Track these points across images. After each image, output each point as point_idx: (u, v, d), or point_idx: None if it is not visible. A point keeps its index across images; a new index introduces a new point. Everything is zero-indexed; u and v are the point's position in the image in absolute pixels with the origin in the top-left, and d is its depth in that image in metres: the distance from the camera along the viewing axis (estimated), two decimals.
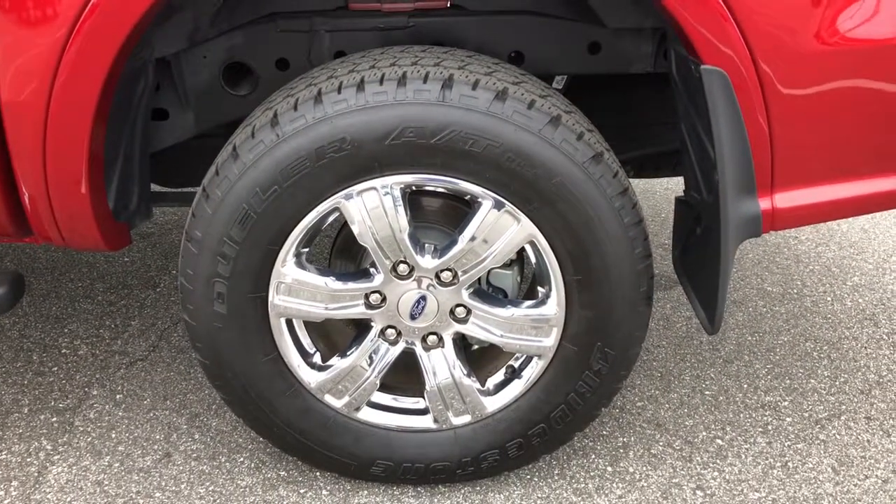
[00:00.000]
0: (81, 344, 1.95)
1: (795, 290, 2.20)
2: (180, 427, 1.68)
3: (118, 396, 1.77)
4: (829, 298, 2.17)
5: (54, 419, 1.70)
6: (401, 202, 1.27)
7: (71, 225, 1.31)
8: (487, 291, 1.41)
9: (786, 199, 1.29)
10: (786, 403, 1.76)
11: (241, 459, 1.58)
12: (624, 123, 1.70)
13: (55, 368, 1.86)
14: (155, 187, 1.69)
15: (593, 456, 1.59)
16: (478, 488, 1.51)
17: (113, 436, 1.65)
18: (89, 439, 1.64)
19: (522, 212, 1.28)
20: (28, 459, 1.59)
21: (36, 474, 1.55)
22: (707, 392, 1.79)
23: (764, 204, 1.29)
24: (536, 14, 1.47)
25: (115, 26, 1.13)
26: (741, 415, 1.72)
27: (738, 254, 2.38)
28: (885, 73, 1.22)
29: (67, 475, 1.54)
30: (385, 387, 1.47)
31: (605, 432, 1.67)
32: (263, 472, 1.55)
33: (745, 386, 1.81)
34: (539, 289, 1.39)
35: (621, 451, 1.61)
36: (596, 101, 1.68)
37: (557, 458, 1.58)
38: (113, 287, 2.18)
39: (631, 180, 1.90)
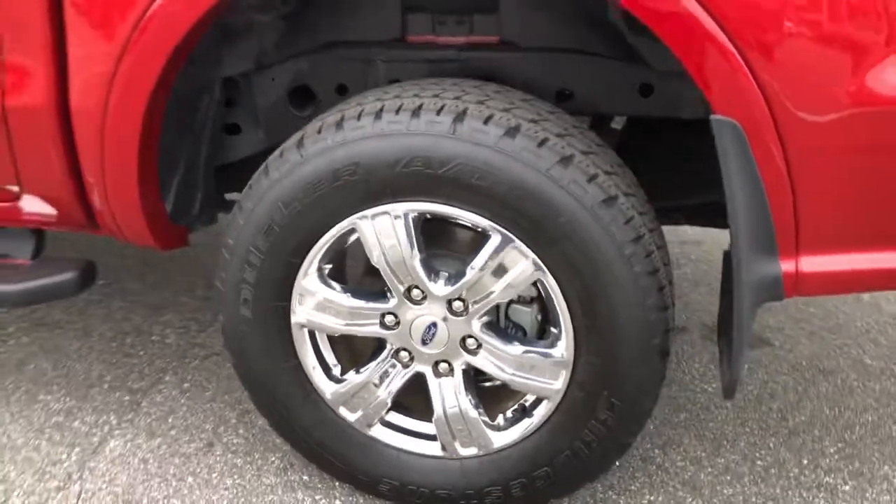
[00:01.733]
0: (171, 333, 2.13)
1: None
2: (230, 421, 1.79)
3: (185, 385, 1.91)
4: None
5: (126, 398, 1.87)
6: (412, 228, 1.31)
7: (124, 222, 1.46)
8: (501, 326, 1.41)
9: (813, 264, 1.20)
10: (846, 488, 1.61)
11: (273, 459, 1.67)
12: (679, 170, 1.64)
13: (141, 352, 2.05)
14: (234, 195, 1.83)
15: None
16: None
17: (169, 420, 1.79)
18: (148, 420, 1.79)
19: (531, 249, 1.27)
20: (94, 430, 1.76)
21: (96, 444, 1.71)
22: (759, 462, 1.67)
23: (787, 266, 1.20)
24: (584, 53, 1.46)
25: (158, 48, 1.26)
26: (790, 492, 1.59)
27: (842, 319, 2.20)
28: None
29: (121, 450, 1.70)
30: (402, 408, 1.50)
31: (633, 487, 1.60)
32: (289, 474, 1.63)
33: (805, 462, 1.67)
34: (552, 329, 1.37)
35: None
36: (656, 145, 1.63)
37: None
38: (212, 285, 2.36)
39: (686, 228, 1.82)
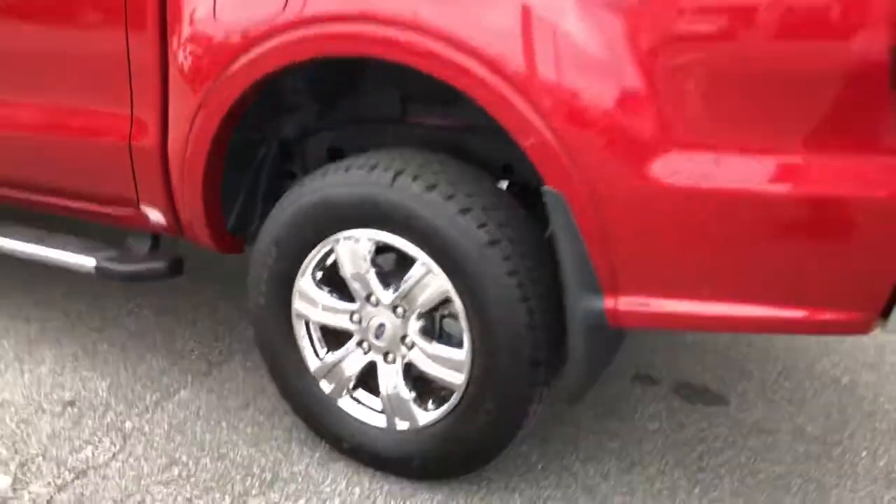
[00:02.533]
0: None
1: (837, 438, 2.23)
2: (267, 390, 2.38)
3: (248, 363, 2.54)
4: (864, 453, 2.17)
5: (204, 366, 2.52)
6: (369, 248, 1.84)
7: (195, 231, 2.11)
8: (431, 331, 1.89)
9: (629, 303, 1.60)
10: None
11: (280, 417, 2.22)
12: None
13: (223, 333, 2.71)
14: None
15: None
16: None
17: (226, 385, 2.41)
18: (214, 383, 2.42)
19: (443, 273, 1.76)
20: (174, 383, 2.42)
21: (174, 390, 2.37)
22: (658, 485, 2.01)
23: (608, 303, 1.61)
24: None
25: (215, 113, 1.89)
26: None
27: (810, 393, 2.43)
28: (705, 215, 1.49)
29: (188, 397, 2.33)
30: (368, 387, 2.01)
31: (544, 483, 2.00)
32: (293, 432, 2.18)
33: (697, 491, 1.98)
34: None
35: None
36: None
37: None
38: None
39: None
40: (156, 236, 2.34)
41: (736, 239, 1.48)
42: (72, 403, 2.30)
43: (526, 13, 1.52)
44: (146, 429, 2.19)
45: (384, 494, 1.95)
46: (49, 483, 1.96)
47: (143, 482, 1.97)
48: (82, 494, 1.92)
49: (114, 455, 2.08)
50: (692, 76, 1.44)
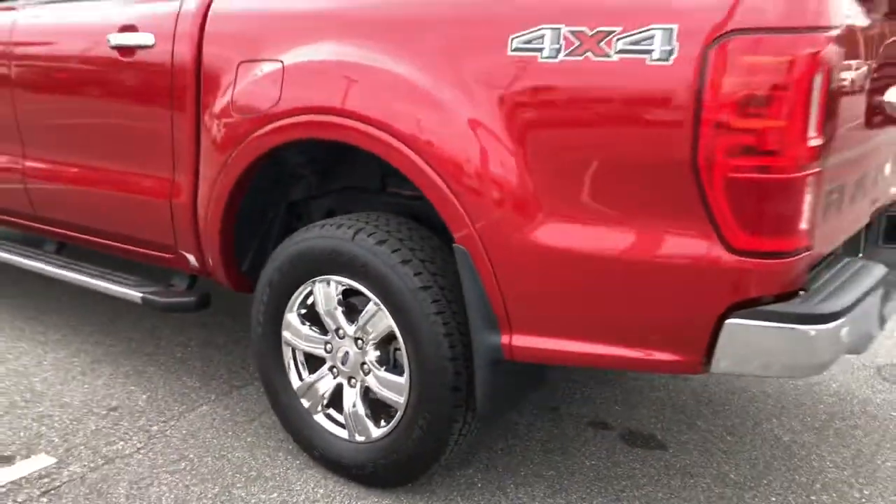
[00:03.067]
0: None
1: (754, 485, 2.48)
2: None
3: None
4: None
5: (225, 386, 3.01)
6: (337, 290, 2.29)
7: (215, 271, 2.63)
8: (385, 360, 2.31)
9: (522, 341, 1.98)
10: None
11: (277, 432, 2.67)
12: None
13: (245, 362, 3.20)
14: None
15: None
16: None
17: (242, 405, 2.89)
18: (234, 400, 2.91)
19: (388, 313, 2.19)
20: (201, 395, 2.91)
21: (206, 401, 2.86)
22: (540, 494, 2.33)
23: (504, 339, 2.00)
24: None
25: (228, 180, 2.42)
26: None
27: (747, 444, 2.69)
28: (570, 271, 1.88)
29: (211, 409, 2.82)
30: (338, 406, 2.44)
31: (458, 484, 2.36)
32: (284, 443, 2.62)
33: None
34: None
35: None
36: None
37: None
38: None
39: None
40: (193, 276, 2.88)
41: (592, 290, 1.86)
42: (115, 409, 2.83)
43: (442, 112, 1.98)
44: (168, 432, 2.68)
45: (342, 496, 2.36)
46: (84, 465, 2.47)
47: (154, 471, 2.46)
48: (107, 475, 2.42)
49: (137, 449, 2.57)
50: (554, 162, 1.85)
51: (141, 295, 2.82)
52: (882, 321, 2.02)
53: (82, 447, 2.58)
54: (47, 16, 3.02)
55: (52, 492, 2.34)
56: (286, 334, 2.44)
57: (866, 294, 1.84)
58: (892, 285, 2.04)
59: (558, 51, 1.80)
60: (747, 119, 1.63)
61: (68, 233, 3.14)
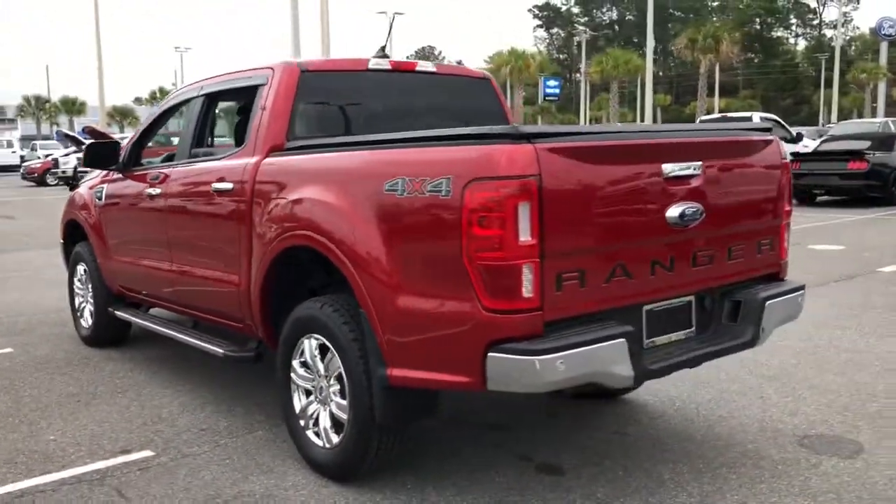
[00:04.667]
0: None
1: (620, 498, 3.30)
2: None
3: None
4: None
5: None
6: (316, 344, 3.52)
7: (263, 336, 3.96)
8: (343, 390, 3.48)
9: (397, 372, 3.09)
10: None
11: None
12: None
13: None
14: None
15: None
16: None
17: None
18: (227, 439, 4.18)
19: (338, 357, 3.38)
20: (205, 432, 4.21)
21: (245, 434, 4.16)
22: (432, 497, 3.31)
23: (388, 371, 3.11)
24: None
25: (260, 273, 3.79)
26: None
27: (630, 467, 3.50)
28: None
29: (240, 430, 4.11)
30: (317, 423, 3.62)
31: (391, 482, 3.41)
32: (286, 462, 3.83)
33: None
34: None
35: None
36: None
37: None
38: None
39: None
40: (259, 339, 4.24)
41: (422, 335, 2.96)
42: (204, 430, 4.20)
43: (352, 226, 3.21)
44: (230, 444, 4.00)
45: (311, 483, 3.51)
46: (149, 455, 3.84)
47: (211, 465, 3.76)
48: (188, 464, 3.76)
49: (207, 451, 3.90)
50: (403, 255, 3.01)
51: (222, 351, 4.22)
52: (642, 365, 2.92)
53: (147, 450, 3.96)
54: (179, 171, 4.66)
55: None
56: (293, 376, 3.70)
57: (591, 342, 2.78)
58: (636, 341, 2.93)
59: (405, 190, 2.99)
60: (484, 230, 2.71)
61: (193, 313, 4.68)
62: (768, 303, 3.40)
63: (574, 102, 63.65)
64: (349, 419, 3.35)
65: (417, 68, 4.44)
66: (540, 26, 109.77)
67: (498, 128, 2.81)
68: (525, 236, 2.70)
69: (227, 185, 4.07)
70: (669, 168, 3.07)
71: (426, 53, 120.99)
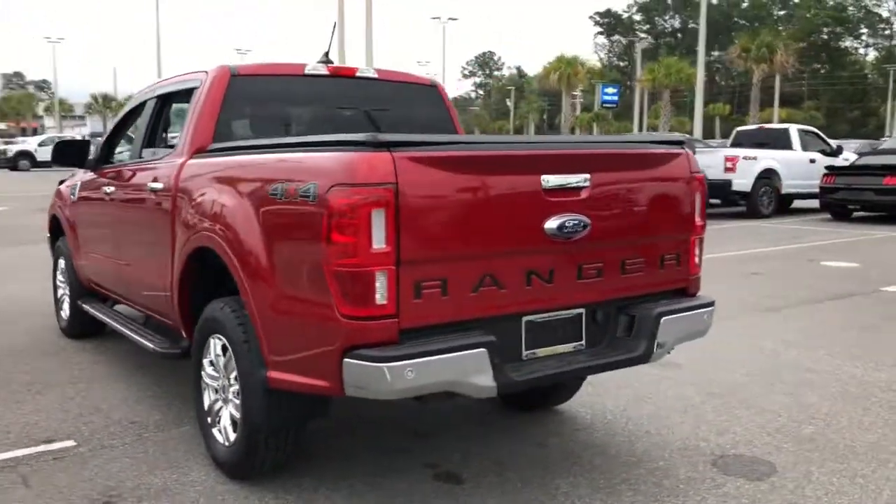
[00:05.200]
0: None
1: None
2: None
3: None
4: None
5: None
6: (220, 344, 3.59)
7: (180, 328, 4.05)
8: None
9: (274, 374, 3.13)
10: None
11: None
12: None
13: None
14: None
15: None
16: None
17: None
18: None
19: (234, 354, 3.44)
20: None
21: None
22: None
23: (268, 373, 3.15)
24: None
25: (176, 273, 3.88)
26: None
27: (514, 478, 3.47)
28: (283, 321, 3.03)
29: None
30: (219, 420, 3.69)
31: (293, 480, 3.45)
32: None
33: None
34: None
35: None
36: None
37: None
38: None
39: None
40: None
41: (289, 338, 3.00)
42: (134, 422, 4.31)
43: (241, 226, 3.27)
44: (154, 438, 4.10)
45: (211, 479, 3.58)
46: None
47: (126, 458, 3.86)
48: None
49: (128, 443, 4.00)
50: (280, 257, 3.06)
51: (153, 347, 4.33)
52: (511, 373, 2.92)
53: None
54: (127, 170, 4.79)
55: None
56: (203, 374, 3.77)
57: (446, 351, 2.78)
58: (500, 352, 2.90)
59: (283, 195, 3.04)
60: (341, 236, 2.74)
61: (140, 309, 4.80)
62: (664, 318, 3.34)
63: (634, 110, 63.01)
64: (241, 418, 3.41)
65: (357, 74, 4.48)
66: (601, 33, 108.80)
67: (360, 135, 2.82)
68: (379, 244, 2.72)
69: (159, 185, 4.17)
70: (550, 179, 3.05)
71: (485, 59, 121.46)
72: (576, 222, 3.09)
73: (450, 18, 52.75)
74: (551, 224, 3.05)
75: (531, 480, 3.58)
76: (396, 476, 3.63)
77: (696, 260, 3.61)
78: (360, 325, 2.76)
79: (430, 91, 4.76)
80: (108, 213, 4.99)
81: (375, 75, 4.54)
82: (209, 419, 3.73)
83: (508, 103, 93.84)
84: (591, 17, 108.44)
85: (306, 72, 4.30)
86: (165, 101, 4.79)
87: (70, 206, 5.82)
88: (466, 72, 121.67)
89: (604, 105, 62.88)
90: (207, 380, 3.72)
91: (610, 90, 60.96)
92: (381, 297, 2.74)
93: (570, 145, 3.30)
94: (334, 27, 4.68)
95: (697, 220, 3.57)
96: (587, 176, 3.15)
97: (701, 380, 5.05)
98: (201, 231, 3.60)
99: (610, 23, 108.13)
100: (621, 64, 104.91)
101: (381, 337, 2.77)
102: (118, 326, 4.86)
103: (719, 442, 4.03)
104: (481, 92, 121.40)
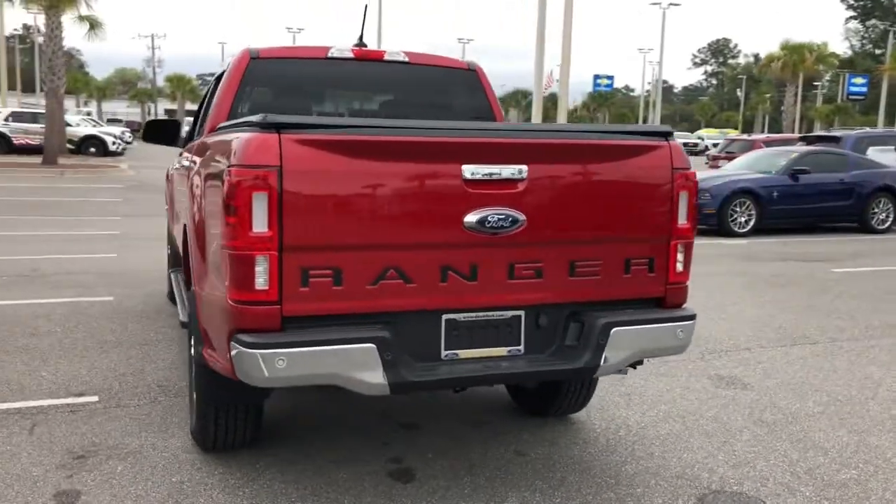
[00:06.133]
0: None
1: None
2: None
3: None
4: None
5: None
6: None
7: None
8: None
9: (207, 352, 3.17)
10: None
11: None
12: None
13: None
14: None
15: None
16: None
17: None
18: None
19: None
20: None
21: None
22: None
23: (204, 352, 3.20)
24: None
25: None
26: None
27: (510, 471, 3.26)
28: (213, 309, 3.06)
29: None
30: None
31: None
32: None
33: None
34: None
35: None
36: None
37: None
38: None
39: None
40: None
41: (208, 319, 3.01)
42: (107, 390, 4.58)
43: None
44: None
45: (180, 447, 3.71)
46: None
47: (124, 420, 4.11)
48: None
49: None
50: (202, 241, 3.08)
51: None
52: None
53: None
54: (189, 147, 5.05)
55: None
56: (191, 346, 3.91)
57: (326, 342, 2.66)
58: (394, 349, 2.72)
59: (214, 175, 3.05)
60: (230, 217, 2.70)
61: None
62: (615, 329, 2.98)
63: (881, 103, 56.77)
64: (193, 392, 3.50)
65: (386, 57, 4.41)
66: (854, 17, 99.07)
67: (254, 117, 2.75)
68: (260, 227, 2.66)
69: (180, 164, 4.39)
70: (471, 170, 2.81)
71: (720, 47, 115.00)
72: (502, 217, 2.83)
73: (671, 4, 49.78)
74: (471, 218, 2.82)
75: (482, 488, 3.36)
76: (353, 467, 3.56)
77: (679, 267, 3.17)
78: (244, 309, 2.72)
79: (468, 76, 4.57)
80: (179, 188, 5.32)
81: (406, 59, 4.44)
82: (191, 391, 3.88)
83: (739, 94, 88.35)
84: (843, 1, 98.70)
85: (329, 55, 4.30)
86: (217, 82, 5.00)
87: (168, 183, 6.27)
88: (697, 60, 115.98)
89: (849, 97, 57.51)
90: (192, 352, 3.85)
91: (858, 80, 55.72)
92: (262, 281, 2.68)
93: (503, 133, 3.00)
94: (366, 9, 4.63)
95: (680, 221, 3.14)
96: (523, 167, 2.87)
97: (760, 404, 4.48)
98: (186, 208, 3.74)
99: (866, 6, 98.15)
100: (877, 52, 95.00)
101: (263, 323, 2.71)
102: (174, 293, 5.16)
103: (725, 475, 3.54)
104: (714, 81, 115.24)
